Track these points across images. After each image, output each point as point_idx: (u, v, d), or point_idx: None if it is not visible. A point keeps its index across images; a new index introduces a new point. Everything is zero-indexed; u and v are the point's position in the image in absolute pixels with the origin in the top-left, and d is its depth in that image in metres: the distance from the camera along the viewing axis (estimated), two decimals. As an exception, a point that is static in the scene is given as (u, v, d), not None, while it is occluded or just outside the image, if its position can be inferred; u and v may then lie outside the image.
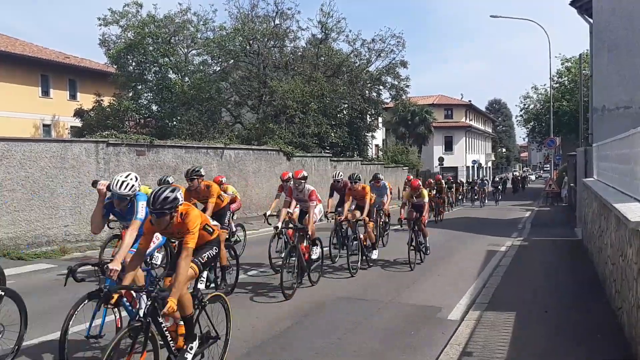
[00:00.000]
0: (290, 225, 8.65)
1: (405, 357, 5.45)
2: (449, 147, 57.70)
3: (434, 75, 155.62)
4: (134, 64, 26.60)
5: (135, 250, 4.75)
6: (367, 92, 31.55)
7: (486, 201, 30.29)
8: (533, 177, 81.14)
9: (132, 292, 4.63)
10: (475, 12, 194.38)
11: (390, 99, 35.17)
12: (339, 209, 10.54)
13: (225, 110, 27.54)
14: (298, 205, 9.44)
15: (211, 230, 4.94)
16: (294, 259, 8.19)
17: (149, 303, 4.11)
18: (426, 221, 11.07)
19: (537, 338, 5.67)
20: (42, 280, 8.95)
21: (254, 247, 11.44)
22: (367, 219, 9.88)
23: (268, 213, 9.40)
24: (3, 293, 5.08)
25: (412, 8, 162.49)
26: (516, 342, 5.52)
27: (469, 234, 15.83)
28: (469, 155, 58.96)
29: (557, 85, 35.99)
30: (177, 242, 5.31)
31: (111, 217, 5.80)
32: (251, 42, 26.87)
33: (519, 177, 53.91)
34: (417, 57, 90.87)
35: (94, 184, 5.67)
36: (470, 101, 62.93)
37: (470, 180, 37.86)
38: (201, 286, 6.90)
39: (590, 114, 15.48)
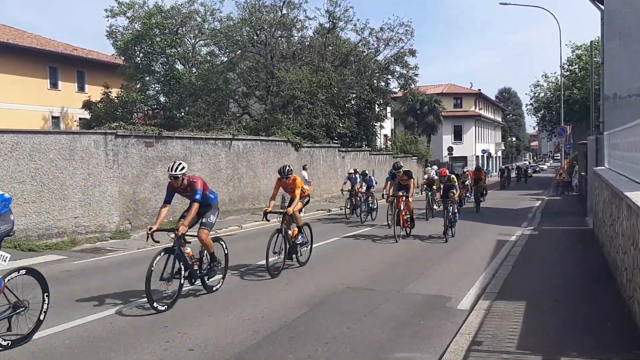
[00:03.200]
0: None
1: (414, 346, 5.44)
2: (458, 136, 57.25)
3: (443, 66, 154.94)
4: (141, 55, 26.67)
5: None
6: (375, 81, 31.35)
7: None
8: (530, 172, 55.13)
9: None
10: (484, 2, 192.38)
11: (398, 88, 34.96)
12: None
13: (233, 101, 27.49)
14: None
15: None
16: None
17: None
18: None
19: (546, 328, 5.64)
20: (53, 271, 9.00)
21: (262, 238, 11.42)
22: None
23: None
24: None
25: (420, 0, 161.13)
26: (526, 332, 5.49)
27: (479, 224, 15.76)
28: (479, 145, 58.56)
29: (568, 73, 35.52)
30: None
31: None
32: (258, 32, 26.77)
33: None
34: (425, 48, 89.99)
35: None
36: (479, 90, 62.46)
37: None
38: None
39: (602, 101, 15.30)
